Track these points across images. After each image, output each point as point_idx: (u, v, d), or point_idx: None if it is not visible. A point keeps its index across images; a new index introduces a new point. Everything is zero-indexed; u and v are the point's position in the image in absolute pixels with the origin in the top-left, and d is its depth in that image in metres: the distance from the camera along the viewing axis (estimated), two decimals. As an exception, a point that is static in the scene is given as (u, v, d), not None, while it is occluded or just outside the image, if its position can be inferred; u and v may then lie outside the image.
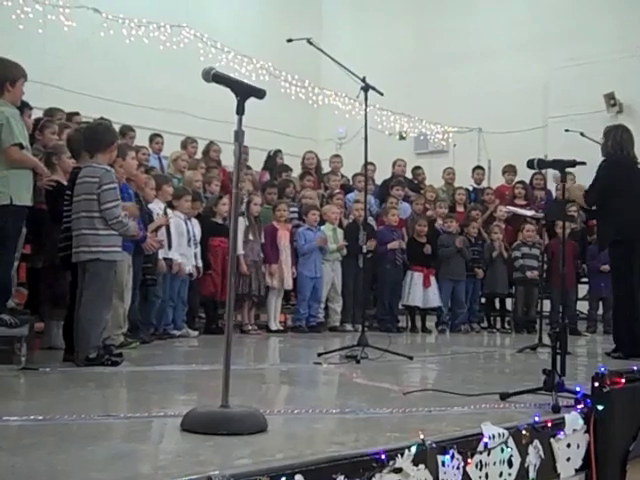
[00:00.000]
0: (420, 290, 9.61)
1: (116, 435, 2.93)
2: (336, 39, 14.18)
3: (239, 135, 2.93)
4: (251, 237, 8.39)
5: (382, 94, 6.21)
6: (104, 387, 4.28)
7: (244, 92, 2.94)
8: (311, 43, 6.55)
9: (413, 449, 2.64)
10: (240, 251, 8.19)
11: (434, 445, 2.73)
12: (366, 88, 6.21)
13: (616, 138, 6.74)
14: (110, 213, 4.93)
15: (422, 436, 2.71)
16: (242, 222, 8.27)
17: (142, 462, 2.42)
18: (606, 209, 6.71)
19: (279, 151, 10.83)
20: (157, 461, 2.47)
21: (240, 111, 2.93)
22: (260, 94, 2.98)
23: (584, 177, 7.24)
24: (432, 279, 9.73)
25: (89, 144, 5.12)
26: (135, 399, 3.96)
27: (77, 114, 8.25)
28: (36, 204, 5.40)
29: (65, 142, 5.85)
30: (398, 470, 2.59)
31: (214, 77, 2.93)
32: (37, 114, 7.43)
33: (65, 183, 5.48)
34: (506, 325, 10.48)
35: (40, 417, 3.00)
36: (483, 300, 10.52)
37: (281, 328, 8.80)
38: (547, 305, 9.48)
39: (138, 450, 2.59)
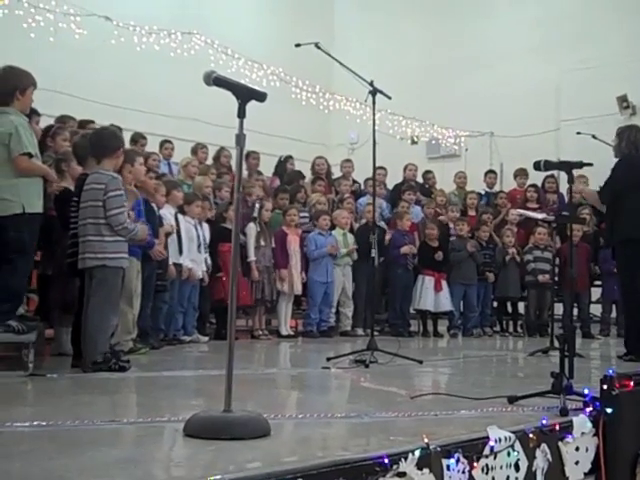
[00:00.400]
0: (431, 294, 9.56)
1: (118, 441, 2.92)
2: (348, 44, 14.18)
3: (240, 138, 2.92)
4: (262, 243, 8.38)
5: (390, 98, 6.20)
6: (111, 393, 4.27)
7: (245, 95, 2.94)
8: (319, 47, 6.55)
9: (417, 453, 2.62)
10: (252, 257, 8.20)
11: (439, 449, 2.70)
12: (374, 92, 6.21)
13: (630, 138, 6.75)
14: (115, 220, 4.94)
15: (426, 440, 2.68)
16: (254, 228, 8.28)
17: (142, 467, 2.41)
18: (618, 208, 6.68)
19: (290, 157, 10.85)
20: (158, 466, 2.46)
21: (241, 114, 2.93)
22: (261, 97, 2.97)
23: (598, 180, 7.22)
24: (443, 283, 9.68)
25: (95, 150, 5.14)
26: (141, 404, 3.97)
27: (92, 122, 8.21)
28: (46, 210, 5.42)
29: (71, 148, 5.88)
30: (402, 474, 2.56)
31: (215, 80, 2.93)
32: (48, 122, 7.46)
33: (73, 189, 5.49)
34: (518, 329, 10.42)
35: (43, 423, 2.99)
36: (495, 304, 10.48)
37: (292, 333, 8.78)
38: (560, 308, 9.41)
39: (139, 455, 2.58)
